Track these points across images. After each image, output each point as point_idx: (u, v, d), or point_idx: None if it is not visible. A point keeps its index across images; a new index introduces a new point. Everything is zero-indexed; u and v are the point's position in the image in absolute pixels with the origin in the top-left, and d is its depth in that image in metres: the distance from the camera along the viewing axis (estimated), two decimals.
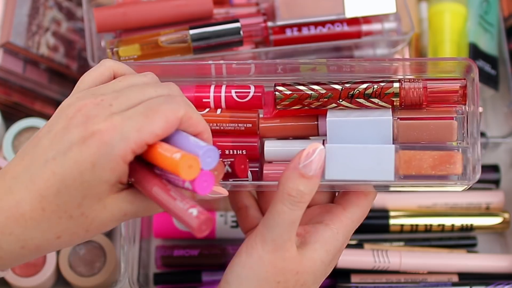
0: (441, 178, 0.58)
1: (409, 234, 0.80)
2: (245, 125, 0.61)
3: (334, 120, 0.59)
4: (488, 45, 0.86)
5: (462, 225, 0.80)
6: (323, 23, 0.75)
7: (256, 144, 0.61)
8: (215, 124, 0.61)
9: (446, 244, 0.80)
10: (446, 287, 0.76)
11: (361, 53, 0.78)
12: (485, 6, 0.87)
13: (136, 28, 0.74)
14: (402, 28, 0.78)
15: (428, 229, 0.80)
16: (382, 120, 0.58)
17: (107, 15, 0.73)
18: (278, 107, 0.60)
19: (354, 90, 0.58)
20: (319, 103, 0.59)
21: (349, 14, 0.75)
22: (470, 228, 0.80)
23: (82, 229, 0.51)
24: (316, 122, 0.61)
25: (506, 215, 0.81)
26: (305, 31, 0.75)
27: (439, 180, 0.58)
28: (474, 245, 0.80)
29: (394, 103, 0.59)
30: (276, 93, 0.59)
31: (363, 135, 0.58)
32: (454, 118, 0.58)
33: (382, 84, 0.58)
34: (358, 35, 0.76)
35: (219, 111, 0.61)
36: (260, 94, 0.61)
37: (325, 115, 0.60)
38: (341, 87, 0.59)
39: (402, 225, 0.80)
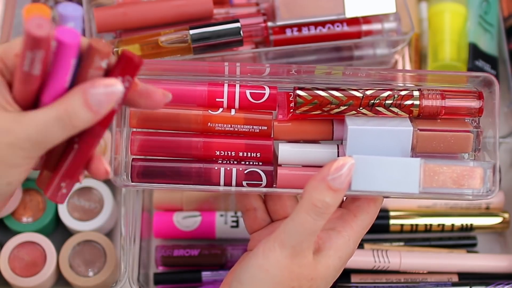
0: (461, 192, 0.59)
1: (409, 234, 0.80)
2: (260, 127, 0.61)
3: (355, 128, 0.59)
4: (488, 45, 0.86)
5: (462, 225, 0.80)
6: (323, 23, 0.75)
7: (270, 146, 0.61)
8: (229, 125, 0.61)
9: (446, 244, 0.80)
10: (446, 287, 0.76)
11: (361, 53, 0.78)
12: (485, 6, 0.87)
13: (136, 28, 0.74)
14: (402, 28, 0.78)
15: (428, 229, 0.80)
16: (403, 130, 0.59)
17: (107, 15, 0.73)
18: (298, 111, 0.60)
19: (375, 99, 0.59)
20: (339, 110, 0.60)
21: (349, 14, 0.75)
22: (470, 228, 0.80)
23: None
24: (331, 127, 0.61)
25: (506, 215, 0.81)
26: (305, 31, 0.75)
27: (459, 194, 0.59)
28: (474, 245, 0.80)
29: (413, 113, 0.60)
30: (297, 98, 0.60)
31: (382, 143, 0.59)
32: (470, 131, 0.60)
33: (403, 93, 0.59)
34: (358, 35, 0.76)
35: (233, 111, 0.61)
36: (275, 95, 0.61)
37: (339, 120, 0.61)
38: (361, 95, 0.59)
39: (402, 225, 0.80)
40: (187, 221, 0.80)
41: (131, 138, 0.61)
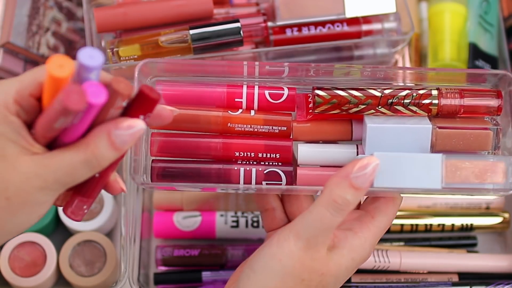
0: (483, 187, 0.59)
1: (409, 234, 0.80)
2: (279, 128, 0.61)
3: (374, 126, 0.59)
4: (488, 45, 0.86)
5: (462, 225, 0.80)
6: (323, 23, 0.75)
7: (290, 147, 0.61)
8: (248, 126, 0.61)
9: (446, 244, 0.80)
10: (446, 287, 0.76)
11: (361, 53, 0.78)
12: (485, 6, 0.87)
13: (136, 28, 0.74)
14: (402, 28, 0.78)
15: (428, 229, 0.80)
16: (423, 128, 0.59)
17: (107, 15, 0.73)
18: (316, 111, 0.60)
19: (393, 98, 0.59)
20: (358, 109, 0.60)
21: (349, 14, 0.75)
22: (470, 228, 0.80)
23: (1, 196, 0.50)
24: (350, 127, 0.61)
25: (506, 215, 0.81)
26: (305, 31, 0.75)
27: (480, 189, 0.59)
28: (474, 245, 0.81)
29: (431, 112, 0.60)
30: (316, 97, 0.59)
31: (401, 141, 0.59)
32: (490, 128, 0.60)
33: (421, 92, 0.59)
34: (358, 35, 0.76)
35: (252, 112, 0.61)
36: (294, 96, 0.61)
37: (358, 120, 0.61)
38: (380, 94, 0.59)
39: (402, 225, 0.80)
40: (187, 221, 0.80)
41: (151, 140, 0.61)
